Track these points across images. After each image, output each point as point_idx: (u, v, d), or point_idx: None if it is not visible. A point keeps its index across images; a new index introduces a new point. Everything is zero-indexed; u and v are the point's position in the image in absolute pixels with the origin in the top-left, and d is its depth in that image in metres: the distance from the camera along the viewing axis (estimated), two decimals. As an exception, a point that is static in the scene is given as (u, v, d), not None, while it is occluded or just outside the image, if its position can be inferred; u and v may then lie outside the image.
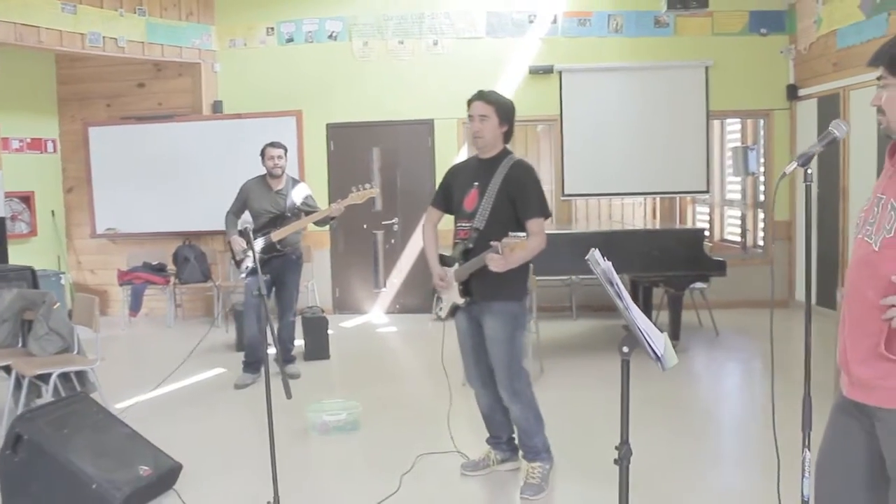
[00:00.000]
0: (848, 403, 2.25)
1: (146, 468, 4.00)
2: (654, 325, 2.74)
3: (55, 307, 5.53)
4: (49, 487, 3.84)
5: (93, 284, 9.22)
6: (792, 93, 8.73)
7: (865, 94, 7.42)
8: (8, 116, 8.39)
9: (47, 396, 5.03)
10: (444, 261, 4.08)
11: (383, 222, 9.00)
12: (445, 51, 8.89)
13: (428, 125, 8.95)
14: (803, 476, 2.32)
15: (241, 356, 6.38)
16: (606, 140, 8.76)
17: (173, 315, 8.78)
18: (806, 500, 2.32)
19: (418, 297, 9.00)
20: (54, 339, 5.36)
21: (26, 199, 8.76)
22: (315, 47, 8.99)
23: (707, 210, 10.22)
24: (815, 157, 2.35)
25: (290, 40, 9.03)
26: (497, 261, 3.61)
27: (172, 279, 8.71)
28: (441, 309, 4.14)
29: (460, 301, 3.96)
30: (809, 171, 2.35)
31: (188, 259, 8.65)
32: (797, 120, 8.77)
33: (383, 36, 8.93)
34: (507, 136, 3.98)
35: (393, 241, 9.05)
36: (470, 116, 3.94)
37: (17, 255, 7.65)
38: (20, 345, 5.46)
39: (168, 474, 4.14)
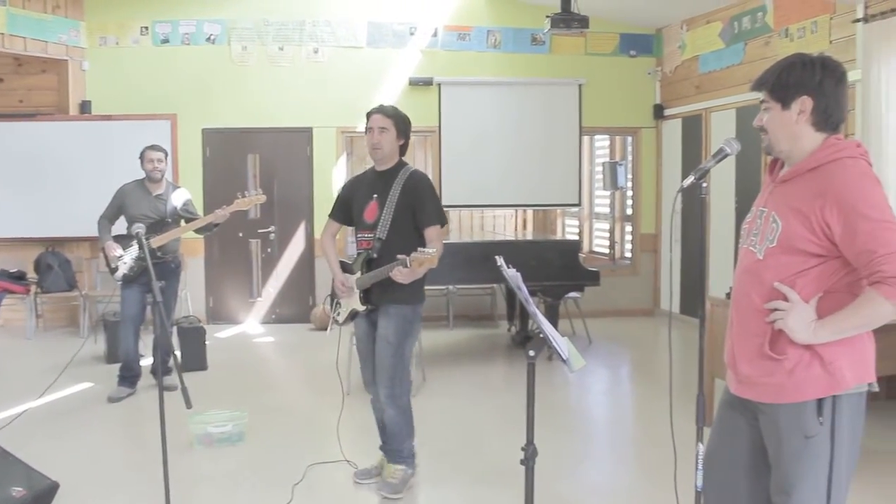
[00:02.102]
0: (734, 399, 2.44)
1: (19, 489, 3.77)
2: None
3: None
4: None
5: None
6: (658, 112, 9.21)
7: (724, 116, 7.95)
8: None
9: None
10: (345, 268, 4.15)
11: (260, 231, 8.85)
12: (326, 59, 8.85)
13: (307, 133, 8.88)
14: (697, 468, 2.47)
15: (111, 368, 6.10)
16: (483, 152, 8.96)
17: (34, 326, 8.29)
18: (699, 490, 2.47)
19: (295, 306, 8.89)
20: None
21: None
22: (192, 50, 8.74)
23: (576, 222, 10.61)
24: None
25: (166, 41, 8.75)
26: (405, 274, 3.73)
27: (33, 288, 8.21)
28: (339, 314, 4.21)
29: (360, 308, 4.05)
30: (704, 185, 2.50)
31: (51, 266, 8.18)
32: (663, 138, 9.25)
33: (263, 41, 8.80)
34: (403, 149, 4.11)
35: (269, 249, 8.90)
36: (369, 128, 4.03)
37: None
38: None
39: (44, 494, 3.91)
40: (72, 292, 8.26)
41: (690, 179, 2.52)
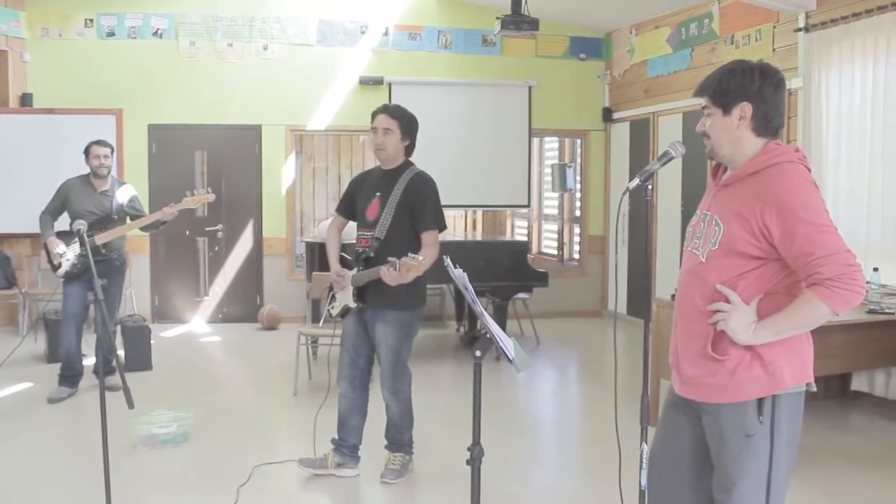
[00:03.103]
0: (678, 399, 2.48)
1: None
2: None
3: None
4: None
5: None
6: (607, 115, 9.31)
7: (671, 120, 8.08)
8: None
9: None
10: (346, 263, 4.21)
11: (207, 228, 8.73)
12: (275, 56, 8.77)
13: (256, 131, 8.79)
14: (641, 467, 2.51)
15: (52, 368, 5.96)
16: (433, 153, 8.91)
17: (-31, 324, 8.07)
18: (644, 489, 2.51)
19: (242, 305, 8.80)
20: None
21: None
22: (138, 43, 8.59)
23: (525, 223, 10.68)
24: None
25: (112, 34, 8.57)
26: (392, 276, 3.77)
27: (-30, 285, 7.99)
28: (333, 307, 4.25)
29: (353, 305, 4.10)
30: (650, 187, 2.54)
31: (-10, 263, 7.98)
32: (611, 140, 9.36)
33: (212, 37, 8.68)
34: (409, 150, 4.16)
35: (217, 248, 8.79)
36: (374, 129, 4.07)
37: None
38: None
39: (-22, 495, 3.82)
40: (11, 290, 8.04)
41: (636, 181, 2.56)
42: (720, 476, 2.34)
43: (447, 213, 10.24)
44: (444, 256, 2.81)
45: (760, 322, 2.24)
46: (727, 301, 2.27)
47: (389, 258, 3.77)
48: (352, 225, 4.32)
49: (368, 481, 4.23)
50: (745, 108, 2.29)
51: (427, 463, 4.45)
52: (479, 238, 9.64)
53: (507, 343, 2.77)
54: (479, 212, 10.44)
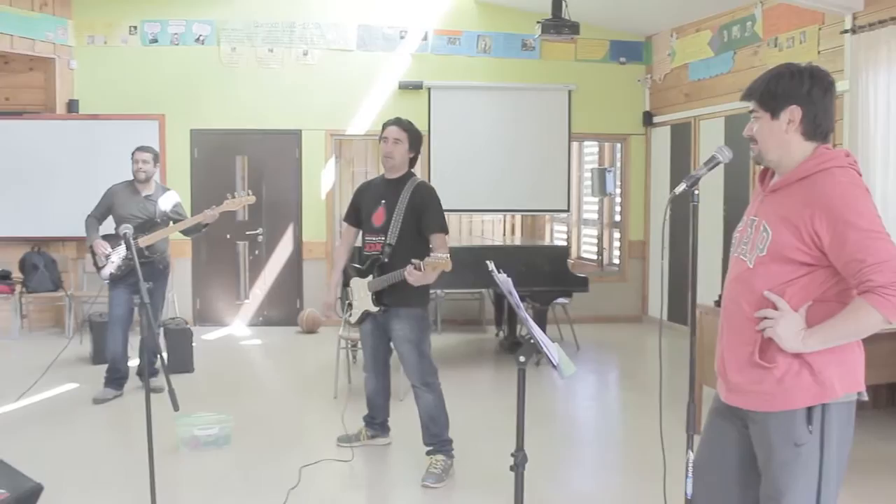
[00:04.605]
0: (724, 407, 2.44)
1: (2, 491, 3.74)
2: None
3: None
4: None
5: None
6: (647, 119, 9.24)
7: (713, 124, 7.99)
8: None
9: None
10: (359, 273, 4.42)
11: (247, 232, 8.82)
12: (315, 61, 8.84)
13: (296, 136, 8.86)
14: (686, 476, 2.48)
15: (97, 370, 6.06)
16: (473, 157, 8.96)
17: (18, 326, 8.23)
18: (689, 498, 2.48)
19: (282, 309, 8.87)
20: None
21: None
22: (181, 50, 8.72)
23: (564, 228, 10.63)
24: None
25: (155, 41, 8.72)
26: (417, 276, 4.01)
27: (18, 287, 8.15)
28: (351, 315, 4.49)
29: (374, 309, 4.34)
30: (696, 192, 2.51)
31: (37, 266, 8.12)
32: (652, 145, 9.29)
33: (253, 43, 8.78)
34: (413, 161, 4.44)
35: (257, 251, 8.87)
36: (384, 138, 4.34)
37: None
38: None
39: (27, 496, 3.86)
40: (57, 292, 8.20)
41: (682, 187, 2.53)
42: (768, 486, 2.29)
43: (486, 217, 10.33)
44: (488, 261, 2.81)
45: (810, 330, 2.19)
46: (775, 308, 2.23)
47: (413, 261, 3.99)
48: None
49: (410, 485, 4.23)
50: (794, 112, 2.26)
51: (467, 467, 4.44)
52: (518, 243, 9.61)
53: (551, 348, 2.77)
54: (518, 216, 10.41)
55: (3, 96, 8.55)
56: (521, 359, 2.75)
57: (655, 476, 2.81)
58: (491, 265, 2.78)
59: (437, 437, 4.37)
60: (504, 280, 2.75)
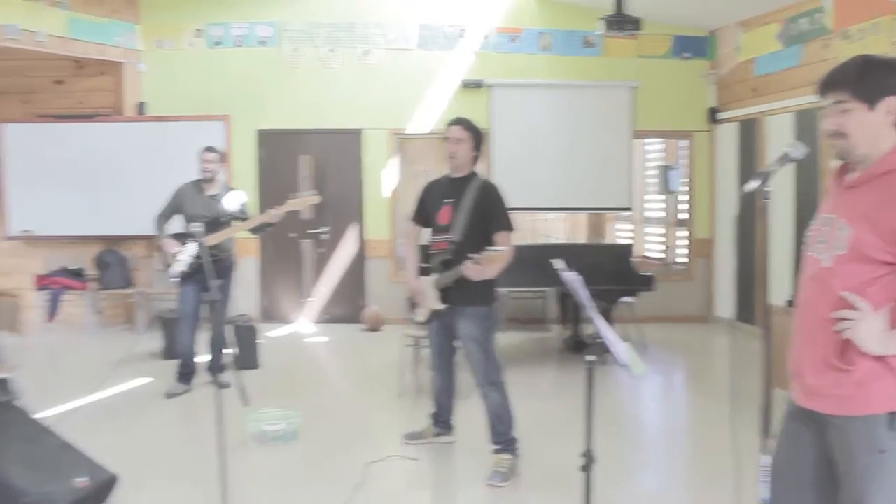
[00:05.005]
0: (799, 411, 2.37)
1: (83, 479, 3.85)
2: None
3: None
4: (-22, 502, 3.67)
5: (4, 289, 8.80)
6: (712, 115, 9.08)
7: (782, 120, 7.81)
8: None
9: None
10: (426, 272, 4.49)
11: (312, 231, 8.93)
12: (376, 61, 8.90)
13: (357, 135, 8.93)
14: (761, 480, 2.43)
15: (167, 365, 6.21)
16: (534, 155, 8.92)
17: (93, 322, 8.47)
18: (764, 502, 2.43)
19: (346, 306, 8.96)
20: (-27, 344, 5.14)
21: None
22: (244, 51, 8.86)
23: (626, 227, 10.51)
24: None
25: (219, 43, 8.88)
26: (476, 271, 4.05)
27: (92, 285, 8.40)
28: (418, 314, 4.55)
29: (440, 307, 4.37)
30: (768, 189, 2.46)
31: (110, 264, 8.37)
32: (717, 142, 9.12)
33: (314, 43, 8.88)
34: (476, 160, 4.47)
35: (322, 250, 8.98)
36: (447, 138, 4.39)
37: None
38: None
39: (104, 486, 3.99)
40: (129, 289, 8.43)
41: (754, 184, 2.48)
42: (848, 493, 2.22)
43: (548, 215, 10.25)
44: (555, 260, 2.81)
45: (892, 331, 2.13)
46: (854, 308, 2.17)
47: (470, 256, 4.05)
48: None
49: (475, 484, 4.24)
50: (891, 103, 2.18)
51: (532, 467, 4.43)
52: (581, 241, 9.54)
53: (620, 348, 2.74)
54: (581, 215, 10.33)
55: (76, 100, 8.81)
56: (591, 358, 2.74)
57: (725, 480, 2.76)
58: (559, 264, 2.78)
59: (502, 436, 4.37)
60: (573, 278, 2.74)
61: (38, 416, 4.30)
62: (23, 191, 8.53)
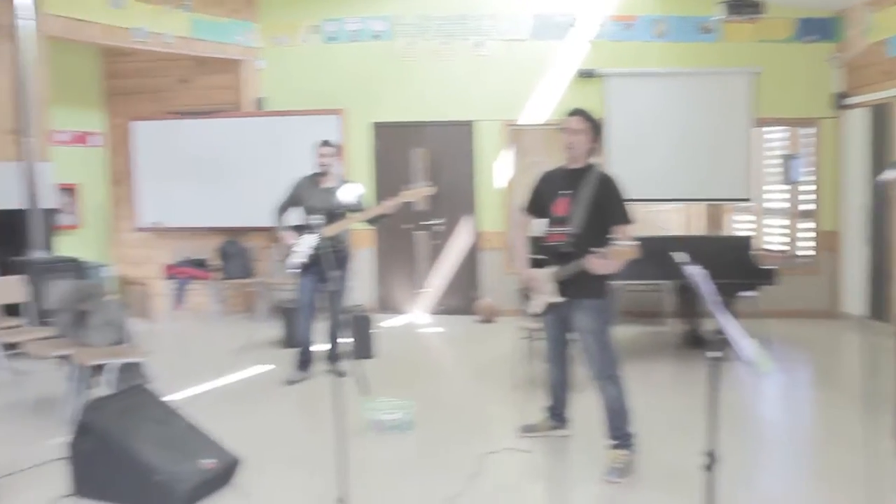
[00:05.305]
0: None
1: (209, 461, 4.02)
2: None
3: (109, 299, 5.60)
4: (115, 476, 3.87)
5: (135, 277, 9.29)
6: (839, 101, 8.65)
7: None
8: (56, 110, 8.46)
9: (102, 387, 5.08)
10: (538, 263, 4.45)
11: (427, 222, 9.01)
12: (489, 52, 8.89)
13: (470, 127, 8.95)
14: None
15: (288, 353, 6.41)
16: (648, 145, 8.72)
17: (216, 310, 8.83)
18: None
19: (460, 298, 9.01)
20: (109, 330, 5.42)
21: (72, 192, 8.85)
22: (358, 46, 9.01)
23: (745, 218, 10.14)
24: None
25: (334, 39, 9.06)
26: (601, 265, 4.03)
27: (216, 275, 8.76)
28: (533, 306, 4.52)
29: (557, 300, 4.33)
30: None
31: (231, 255, 8.71)
32: (844, 129, 8.68)
33: (427, 36, 8.94)
34: (593, 152, 4.40)
35: (436, 241, 9.05)
36: (565, 129, 4.34)
37: (63, 247, 7.71)
38: (76, 335, 5.49)
39: (228, 469, 4.15)
40: (249, 279, 8.74)
41: (892, 173, 2.34)
42: None
43: (663, 206, 10.03)
44: (676, 253, 2.74)
45: None
46: None
47: (595, 249, 4.01)
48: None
49: (590, 479, 4.18)
50: None
51: (650, 464, 4.33)
52: (699, 233, 9.28)
53: (745, 344, 2.65)
54: (697, 206, 10.03)
55: (199, 97, 9.19)
56: (714, 355, 2.65)
57: (856, 486, 2.62)
58: (681, 256, 2.70)
59: (619, 431, 4.30)
60: (696, 272, 2.66)
61: (167, 398, 4.52)
62: (152, 185, 8.99)
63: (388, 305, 9.12)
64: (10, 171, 7.01)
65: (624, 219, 4.27)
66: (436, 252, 9.08)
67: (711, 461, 2.58)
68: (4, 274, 6.63)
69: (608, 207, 4.26)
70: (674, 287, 8.04)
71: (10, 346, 5.95)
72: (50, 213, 7.39)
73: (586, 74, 8.75)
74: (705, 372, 2.75)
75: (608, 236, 4.20)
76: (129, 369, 5.31)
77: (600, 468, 4.21)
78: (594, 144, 4.38)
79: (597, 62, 8.77)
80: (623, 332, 7.97)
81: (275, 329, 7.63)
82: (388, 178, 8.74)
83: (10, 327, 6.24)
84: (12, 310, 6.44)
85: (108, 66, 9.41)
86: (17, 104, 7.05)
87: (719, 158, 8.70)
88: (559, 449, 4.67)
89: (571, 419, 4.81)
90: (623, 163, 8.64)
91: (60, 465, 4.06)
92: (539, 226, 4.58)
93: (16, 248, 6.98)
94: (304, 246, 6.02)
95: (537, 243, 4.57)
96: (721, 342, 2.66)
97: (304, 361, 6.20)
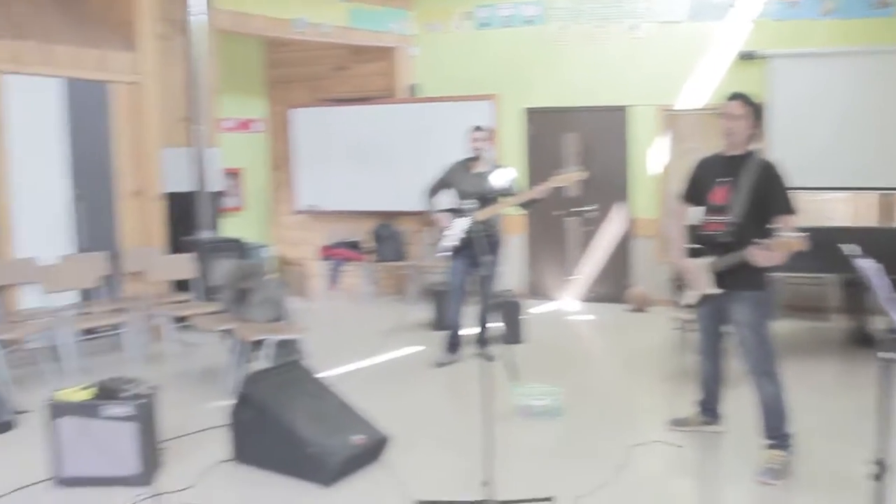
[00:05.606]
0: None
1: (358, 437, 4.15)
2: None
3: (269, 278, 5.87)
4: (271, 446, 4.07)
5: (293, 258, 9.71)
6: None
7: None
8: (223, 98, 8.92)
9: (261, 361, 5.34)
10: (695, 253, 4.34)
11: (578, 209, 8.89)
12: (644, 35, 8.64)
13: (623, 112, 8.76)
14: None
15: (437, 335, 6.52)
16: (814, 130, 8.23)
17: (369, 291, 9.10)
18: None
19: (611, 286, 8.85)
20: (268, 307, 5.69)
21: (236, 176, 9.35)
22: (511, 31, 8.99)
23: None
24: None
25: (486, 25, 9.08)
26: (764, 256, 3.86)
27: (369, 257, 9.03)
28: (688, 297, 4.42)
29: (714, 291, 4.20)
30: None
31: (385, 238, 8.95)
32: None
33: (580, 20, 8.80)
34: (753, 138, 4.23)
35: (587, 227, 8.94)
36: (724, 114, 4.17)
37: (228, 228, 8.12)
38: (238, 312, 5.79)
39: (377, 445, 4.27)
40: (401, 262, 8.95)
41: None
42: None
43: (829, 195, 9.46)
44: (848, 245, 2.58)
45: None
46: None
47: (757, 240, 3.86)
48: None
49: (743, 478, 4.02)
50: None
51: (809, 467, 4.11)
52: (870, 224, 8.69)
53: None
54: (868, 195, 9.40)
55: (354, 84, 9.46)
56: (885, 355, 2.48)
57: None
58: (853, 249, 2.55)
59: (776, 431, 4.11)
60: (868, 266, 2.49)
61: (320, 375, 4.70)
62: (309, 169, 9.36)
63: (537, 291, 9.09)
64: (182, 157, 7.45)
65: (787, 208, 4.07)
66: (587, 238, 8.96)
67: (882, 470, 2.41)
68: (176, 252, 7.10)
69: (770, 196, 4.06)
70: (839, 281, 7.58)
71: (180, 320, 6.36)
72: (217, 195, 7.80)
73: (747, 56, 8.35)
74: (874, 373, 2.58)
75: (769, 226, 4.03)
76: (287, 345, 5.55)
77: (754, 468, 4.04)
78: (755, 130, 4.19)
79: (758, 43, 8.35)
80: (783, 327, 7.60)
81: (425, 311, 7.77)
82: (541, 163, 8.69)
83: (180, 302, 6.70)
84: (182, 285, 6.89)
85: (270, 56, 9.85)
86: (189, 94, 7.49)
87: (891, 144, 8.11)
88: (710, 445, 4.52)
89: (725, 415, 4.64)
90: (786, 149, 8.18)
91: (222, 432, 4.31)
92: (695, 214, 4.43)
93: (186, 229, 7.44)
94: (456, 229, 6.08)
95: (693, 232, 4.42)
96: (894, 342, 2.48)
97: (454, 344, 6.29)
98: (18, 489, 3.86)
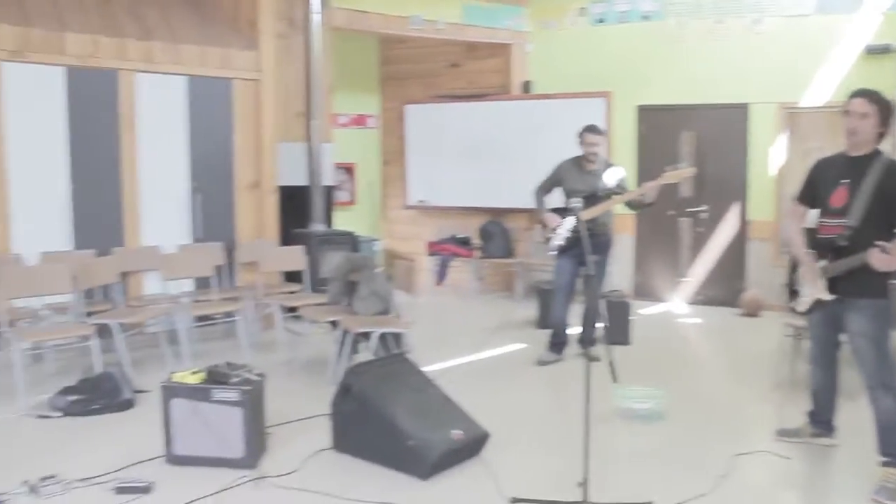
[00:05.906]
0: None
1: (458, 432, 4.17)
2: None
3: (377, 271, 5.97)
4: (371, 437, 4.14)
5: (402, 252, 9.85)
6: None
7: None
8: (337, 94, 9.13)
9: (366, 353, 5.44)
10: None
11: (691, 209, 8.67)
12: (768, 29, 8.31)
13: (743, 109, 8.46)
14: None
15: (542, 334, 6.47)
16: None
17: (475, 288, 9.13)
18: None
19: (723, 289, 8.59)
20: (375, 300, 5.78)
21: (349, 171, 9.55)
22: (627, 28, 8.83)
23: None
24: None
25: (602, 21, 8.95)
26: (885, 260, 3.67)
27: (477, 253, 9.06)
28: (800, 303, 4.24)
29: (827, 297, 4.01)
30: None
31: (493, 234, 8.96)
32: None
33: (700, 15, 8.55)
34: (881, 137, 3.96)
35: (700, 229, 8.69)
36: (847, 112, 3.93)
37: (339, 221, 8.32)
38: (345, 304, 5.92)
39: (476, 441, 4.28)
40: (509, 259, 8.94)
41: None
42: None
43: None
44: None
45: None
46: None
47: (878, 243, 3.66)
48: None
49: (854, 496, 3.82)
50: None
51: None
52: None
53: None
54: None
55: (467, 81, 9.52)
56: None
57: None
58: None
59: (893, 447, 3.87)
60: None
61: (424, 368, 4.75)
62: (421, 165, 9.44)
63: (646, 292, 8.91)
64: (298, 151, 7.68)
65: None
66: (699, 240, 8.71)
67: None
68: (288, 244, 7.32)
69: (894, 199, 3.82)
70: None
71: (290, 310, 6.55)
72: (329, 189, 8.00)
73: (878, 50, 7.91)
74: None
75: (889, 232, 3.78)
76: (392, 338, 5.63)
77: (867, 485, 3.83)
78: (883, 129, 3.91)
79: (891, 36, 7.91)
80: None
81: (531, 309, 7.74)
82: (652, 162, 8.49)
83: (290, 292, 6.89)
84: (293, 276, 7.09)
85: (384, 53, 10.01)
86: (305, 90, 7.71)
87: None
88: (821, 458, 4.31)
89: (839, 427, 4.42)
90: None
91: (324, 421, 4.42)
92: (813, 217, 4.22)
93: (299, 221, 7.66)
94: (564, 228, 6.03)
95: (809, 236, 4.22)
96: None
97: (558, 343, 6.24)
98: (134, 464, 4.07)
